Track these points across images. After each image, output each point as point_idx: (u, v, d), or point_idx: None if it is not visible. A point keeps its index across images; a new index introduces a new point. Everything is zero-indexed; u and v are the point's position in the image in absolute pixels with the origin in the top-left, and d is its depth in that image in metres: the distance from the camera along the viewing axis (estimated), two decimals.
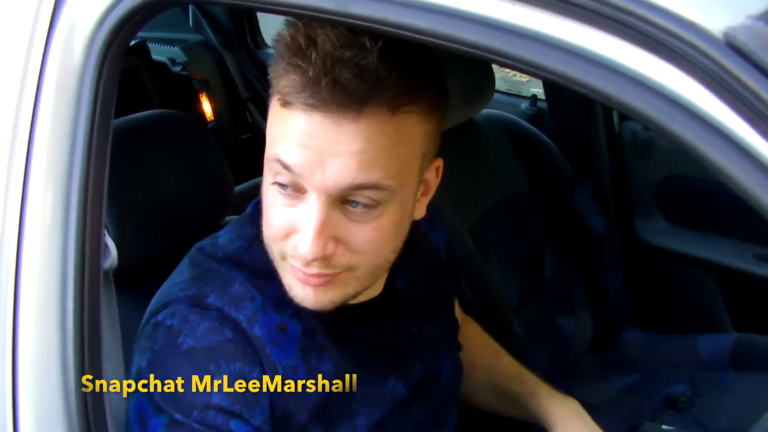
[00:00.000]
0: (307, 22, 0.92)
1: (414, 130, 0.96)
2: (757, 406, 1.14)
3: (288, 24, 0.93)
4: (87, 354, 0.94)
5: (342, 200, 0.94)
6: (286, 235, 0.98)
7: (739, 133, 0.67)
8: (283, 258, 1.00)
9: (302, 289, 1.00)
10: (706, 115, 0.68)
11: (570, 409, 1.32)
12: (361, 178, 0.92)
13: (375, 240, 0.98)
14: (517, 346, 1.83)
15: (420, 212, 1.09)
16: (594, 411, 1.32)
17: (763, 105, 0.66)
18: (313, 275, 0.98)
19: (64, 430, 0.96)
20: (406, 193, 0.99)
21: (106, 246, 0.98)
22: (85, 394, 0.94)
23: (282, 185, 0.96)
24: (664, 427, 1.95)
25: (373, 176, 0.93)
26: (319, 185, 0.92)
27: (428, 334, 1.25)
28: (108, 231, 1.00)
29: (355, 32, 0.89)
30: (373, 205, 0.95)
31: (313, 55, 0.89)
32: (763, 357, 2.21)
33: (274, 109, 0.96)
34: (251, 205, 1.16)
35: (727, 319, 2.41)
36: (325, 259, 0.96)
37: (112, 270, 1.01)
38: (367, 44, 0.89)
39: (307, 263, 0.96)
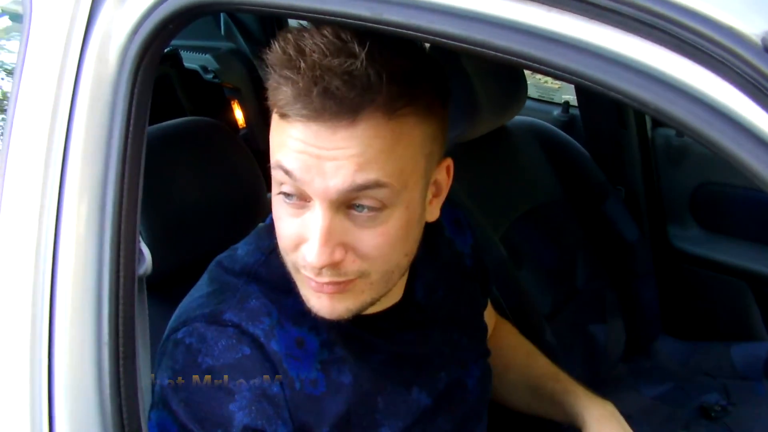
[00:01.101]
0: (296, 31, 0.92)
1: (413, 132, 0.95)
2: None
3: (278, 35, 0.93)
4: (122, 360, 0.94)
5: (347, 205, 0.94)
6: (296, 246, 0.98)
7: None
8: (297, 269, 1.01)
9: (318, 299, 1.00)
10: (744, 120, 0.68)
11: (606, 410, 1.31)
12: (360, 178, 0.91)
13: (383, 244, 0.97)
14: (550, 353, 1.82)
15: (433, 214, 1.07)
16: (627, 420, 1.31)
17: None
18: (325, 284, 0.98)
19: None
20: (412, 195, 0.98)
21: (141, 252, 0.98)
22: (120, 401, 0.94)
23: (287, 195, 0.96)
24: None
25: (372, 175, 0.92)
26: (320, 190, 0.92)
27: (454, 343, 1.24)
28: (142, 237, 1.00)
29: (343, 38, 0.89)
30: (378, 208, 0.95)
31: (302, 65, 0.89)
32: None
33: (274, 121, 0.96)
34: (270, 216, 1.13)
35: (761, 327, 2.38)
36: (334, 267, 0.96)
37: (147, 276, 1.01)
38: (356, 50, 0.88)
39: (318, 272, 0.96)
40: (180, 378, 1.02)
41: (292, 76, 0.90)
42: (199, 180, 1.37)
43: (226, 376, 1.01)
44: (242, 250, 1.14)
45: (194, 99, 3.27)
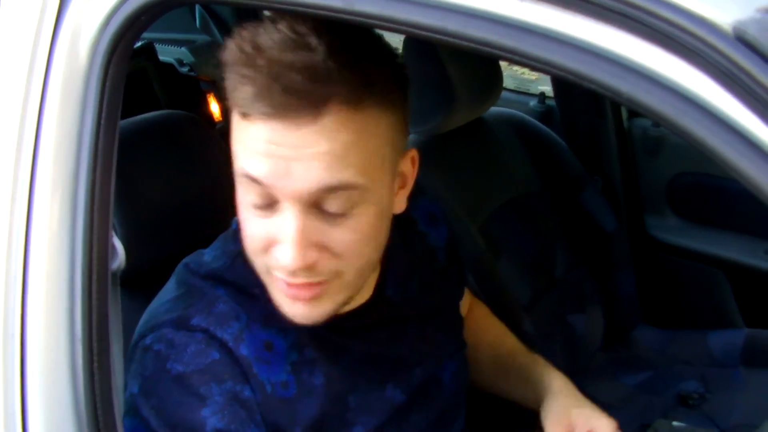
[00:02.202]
0: (251, 28, 0.91)
1: (378, 123, 0.94)
2: None
3: (233, 33, 0.92)
4: (96, 357, 0.93)
5: (317, 204, 0.93)
6: (266, 248, 0.97)
7: (750, 127, 0.67)
8: (268, 271, 0.99)
9: (293, 305, 0.99)
10: (717, 110, 0.68)
11: (571, 385, 1.30)
12: (329, 179, 0.90)
13: (356, 241, 0.96)
14: (529, 344, 1.82)
15: (399, 206, 1.06)
16: (606, 409, 1.31)
17: None
18: (300, 285, 0.96)
19: None
20: (381, 188, 0.97)
21: (114, 247, 0.97)
22: (94, 398, 0.94)
23: (255, 197, 0.95)
24: (675, 423, 1.95)
25: (343, 176, 0.91)
26: (290, 193, 0.91)
27: (428, 338, 1.22)
28: (116, 233, 0.99)
29: (299, 32, 0.88)
30: (350, 206, 0.94)
31: (260, 62, 0.87)
32: None
33: (235, 122, 0.94)
34: (234, 220, 1.11)
35: (738, 315, 2.40)
36: (309, 269, 0.95)
37: (121, 271, 1.00)
38: (313, 43, 0.87)
39: (292, 274, 0.95)
40: (149, 385, 1.02)
41: (250, 74, 0.88)
42: (174, 174, 1.36)
43: (196, 382, 1.00)
44: (209, 255, 1.12)
45: (170, 92, 3.25)
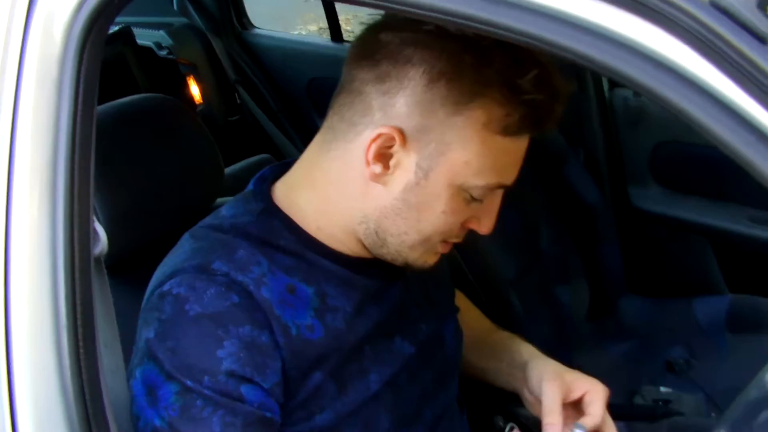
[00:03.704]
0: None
1: None
2: (754, 366, 1.14)
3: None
4: (82, 342, 0.93)
5: None
6: (463, 225, 1.11)
7: (725, 92, 0.67)
8: (432, 243, 1.11)
9: (435, 256, 1.15)
10: (693, 76, 0.68)
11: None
12: None
13: None
14: (516, 317, 1.84)
15: None
16: (594, 378, 1.32)
17: (748, 64, 0.66)
18: (452, 244, 1.15)
19: (62, 419, 0.95)
20: None
21: (96, 232, 0.97)
22: (82, 382, 0.94)
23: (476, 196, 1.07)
24: (662, 389, 1.97)
25: None
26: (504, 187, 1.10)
27: (430, 296, 1.27)
28: (99, 218, 0.99)
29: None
30: None
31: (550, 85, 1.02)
32: (758, 318, 2.23)
33: (491, 142, 1.03)
34: (253, 181, 1.19)
35: (722, 282, 2.42)
36: None
37: (104, 257, 1.00)
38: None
39: (463, 237, 1.14)
40: (167, 327, 1.03)
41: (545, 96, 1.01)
42: (155, 158, 1.35)
43: (214, 323, 1.01)
44: (228, 212, 1.15)
45: (150, 76, 3.24)
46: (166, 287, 1.05)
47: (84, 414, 0.95)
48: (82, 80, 0.91)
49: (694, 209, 2.48)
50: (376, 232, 1.10)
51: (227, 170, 1.61)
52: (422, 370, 1.23)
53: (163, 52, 3.36)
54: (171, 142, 1.40)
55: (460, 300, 1.48)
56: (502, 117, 1.00)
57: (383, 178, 1.06)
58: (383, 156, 1.04)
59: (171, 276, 1.06)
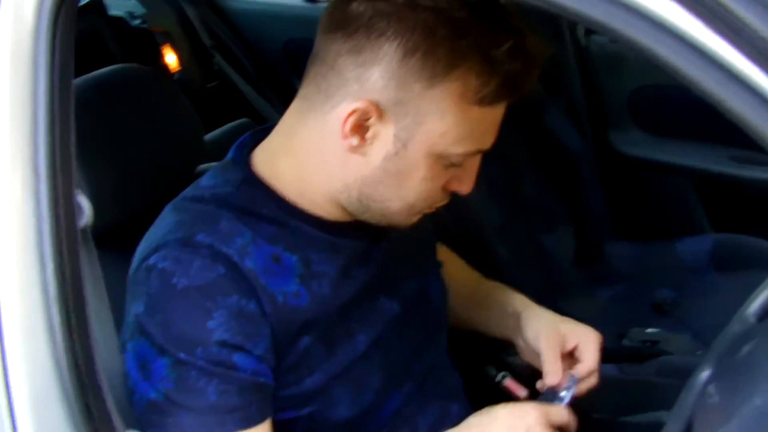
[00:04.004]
0: None
1: None
2: (739, 303, 1.16)
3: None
4: (73, 314, 0.94)
5: None
6: (444, 188, 1.11)
7: (693, 32, 0.68)
8: (419, 207, 1.12)
9: (418, 215, 1.15)
10: (660, 17, 0.69)
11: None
12: None
13: None
14: (503, 266, 1.85)
15: None
16: (582, 323, 1.34)
17: (714, 3, 0.67)
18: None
19: (57, 392, 0.96)
20: None
21: (80, 205, 0.97)
22: (75, 354, 0.95)
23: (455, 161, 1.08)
24: (648, 330, 2.00)
25: None
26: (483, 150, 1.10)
27: (413, 254, 1.28)
28: (82, 190, 0.99)
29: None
30: None
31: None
32: (743, 255, 2.25)
33: (470, 112, 1.03)
34: (233, 149, 1.18)
35: (706, 221, 2.44)
36: None
37: (90, 228, 1.01)
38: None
39: (447, 199, 1.14)
40: (155, 301, 1.04)
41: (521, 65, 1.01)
42: (134, 128, 1.35)
43: (202, 295, 1.03)
44: (208, 182, 1.16)
45: (124, 47, 3.22)
46: (151, 261, 1.06)
47: (79, 385, 0.96)
48: (57, 54, 0.91)
49: (675, 151, 2.49)
50: (359, 200, 1.11)
51: (208, 137, 1.62)
52: (409, 327, 1.24)
53: (137, 22, 3.33)
54: (150, 111, 1.40)
55: (444, 252, 1.49)
56: (478, 87, 1.01)
57: (361, 149, 1.06)
58: (360, 128, 1.04)
59: (156, 250, 1.07)
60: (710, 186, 2.44)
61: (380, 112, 1.03)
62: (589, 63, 2.51)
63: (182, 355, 1.02)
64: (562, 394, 1.21)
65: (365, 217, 1.13)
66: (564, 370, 1.23)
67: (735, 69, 0.68)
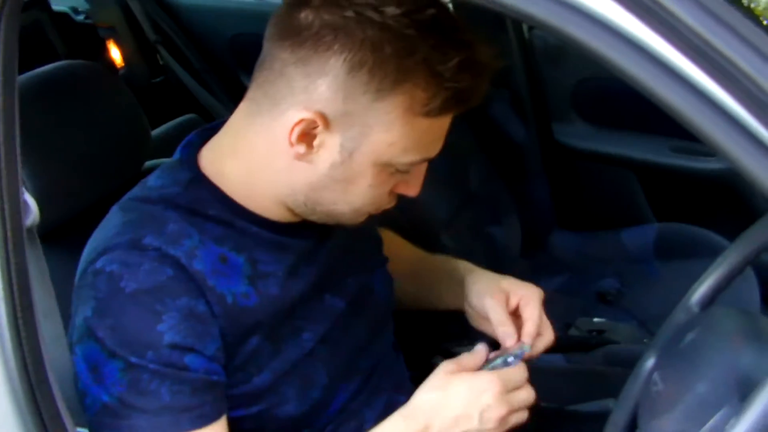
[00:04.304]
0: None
1: None
2: (682, 291, 1.18)
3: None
4: (20, 312, 0.93)
5: None
6: (391, 193, 1.13)
7: (629, 28, 0.69)
8: (366, 210, 1.13)
9: (364, 215, 1.15)
10: (598, 14, 0.70)
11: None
12: None
13: None
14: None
15: None
16: None
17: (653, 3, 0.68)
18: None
19: (5, 390, 0.96)
20: None
21: (26, 203, 0.97)
22: (23, 353, 0.94)
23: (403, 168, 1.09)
24: (595, 320, 2.03)
25: None
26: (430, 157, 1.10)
27: (354, 250, 1.29)
28: (27, 188, 0.99)
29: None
30: None
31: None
32: (685, 244, 2.29)
33: (417, 123, 1.04)
34: (179, 149, 1.17)
35: (649, 211, 2.48)
36: None
37: (36, 227, 1.00)
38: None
39: (395, 201, 1.16)
40: (104, 305, 1.04)
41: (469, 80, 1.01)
42: (79, 125, 1.35)
43: (151, 298, 1.03)
44: (155, 182, 1.15)
45: (68, 43, 3.18)
46: (99, 264, 1.05)
47: (27, 383, 0.95)
48: (0, 50, 0.90)
49: (618, 143, 2.52)
50: (305, 204, 1.11)
51: (154, 132, 1.61)
52: (354, 322, 1.25)
53: (80, 17, 3.29)
54: (95, 108, 1.39)
55: (392, 239, 1.51)
56: (425, 101, 1.01)
57: (308, 157, 1.06)
58: (307, 136, 1.04)
59: (103, 252, 1.06)
60: (652, 176, 2.48)
61: (327, 123, 1.03)
62: (532, 56, 2.53)
63: (133, 359, 1.02)
64: (510, 359, 1.17)
65: (312, 218, 1.14)
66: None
67: (671, 63, 0.70)
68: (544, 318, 1.25)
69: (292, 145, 1.05)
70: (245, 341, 1.10)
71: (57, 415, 0.97)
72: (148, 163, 1.46)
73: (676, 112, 0.71)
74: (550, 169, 2.51)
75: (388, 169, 1.07)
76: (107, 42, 3.23)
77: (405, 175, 1.11)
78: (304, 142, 1.04)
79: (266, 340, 1.12)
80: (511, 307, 1.26)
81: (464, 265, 1.38)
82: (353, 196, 1.10)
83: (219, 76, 3.10)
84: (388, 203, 1.16)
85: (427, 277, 1.44)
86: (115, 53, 3.24)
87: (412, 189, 1.14)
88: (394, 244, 1.47)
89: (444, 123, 1.07)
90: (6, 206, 0.93)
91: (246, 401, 1.13)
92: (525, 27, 2.50)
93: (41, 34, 3.07)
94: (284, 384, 1.15)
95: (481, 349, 1.17)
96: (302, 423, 1.19)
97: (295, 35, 1.02)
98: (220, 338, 1.07)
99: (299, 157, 1.06)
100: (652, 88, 0.70)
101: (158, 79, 3.27)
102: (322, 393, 1.20)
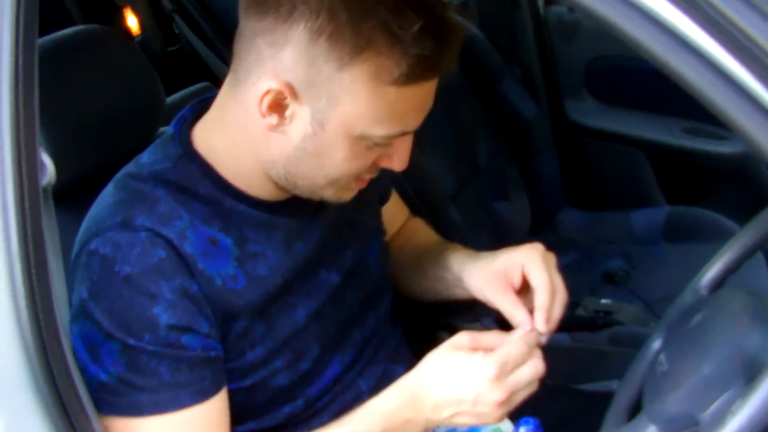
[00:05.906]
0: None
1: None
2: (690, 274, 1.19)
3: None
4: (35, 270, 0.94)
5: None
6: (373, 165, 1.10)
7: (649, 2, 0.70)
8: (347, 182, 1.11)
9: (351, 192, 1.14)
10: None
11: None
12: None
13: None
14: (457, 232, 1.87)
15: None
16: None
17: None
18: (368, 180, 1.14)
19: (18, 349, 0.97)
20: None
21: (43, 163, 0.98)
22: (36, 310, 0.95)
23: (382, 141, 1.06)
24: (603, 301, 2.03)
25: None
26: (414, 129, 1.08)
27: (351, 221, 1.29)
28: (44, 149, 0.99)
29: None
30: None
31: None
32: (693, 227, 2.29)
33: (389, 93, 1.01)
34: (173, 125, 1.17)
35: (658, 193, 2.48)
36: None
37: (51, 187, 1.01)
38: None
39: (376, 172, 1.13)
40: (99, 287, 1.05)
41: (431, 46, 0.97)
42: (96, 89, 1.35)
43: (145, 281, 1.04)
44: (148, 158, 1.15)
45: (84, 8, 3.18)
46: (92, 246, 1.07)
47: (39, 339, 0.96)
48: (21, 13, 0.90)
49: (630, 122, 2.52)
50: (286, 177, 1.10)
51: (168, 100, 1.61)
52: (347, 295, 1.26)
53: None
54: (111, 73, 1.39)
55: (415, 222, 1.51)
56: (389, 68, 0.98)
57: (281, 128, 1.05)
58: (279, 107, 1.03)
59: (96, 233, 1.07)
60: (664, 157, 2.48)
61: (294, 93, 1.02)
62: (546, 32, 2.53)
63: (131, 341, 1.03)
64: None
65: (297, 192, 1.13)
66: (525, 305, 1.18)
67: (688, 38, 0.70)
68: (555, 275, 1.20)
69: (263, 115, 1.04)
70: (236, 322, 1.11)
71: (67, 371, 0.98)
72: (162, 130, 1.46)
73: (691, 87, 0.71)
74: (561, 146, 2.51)
75: (363, 142, 1.05)
76: (123, 9, 3.24)
77: (387, 149, 1.09)
78: (276, 112, 1.03)
79: (258, 319, 1.13)
80: (516, 283, 1.21)
81: (458, 261, 1.33)
82: (329, 169, 1.08)
83: (232, 45, 3.10)
84: (370, 173, 1.13)
85: (433, 266, 1.40)
86: (132, 21, 3.25)
87: (396, 163, 1.11)
88: (415, 228, 1.46)
89: (417, 93, 1.03)
90: (23, 166, 0.93)
91: (239, 375, 1.15)
92: (540, 2, 2.49)
93: (58, 1, 3.07)
94: (277, 358, 1.17)
95: (503, 334, 1.12)
96: (292, 393, 1.20)
97: (262, 4, 1.01)
98: (213, 317, 1.08)
99: (272, 128, 1.05)
100: (668, 63, 0.70)
101: (174, 48, 3.27)
102: (312, 364, 1.21)
